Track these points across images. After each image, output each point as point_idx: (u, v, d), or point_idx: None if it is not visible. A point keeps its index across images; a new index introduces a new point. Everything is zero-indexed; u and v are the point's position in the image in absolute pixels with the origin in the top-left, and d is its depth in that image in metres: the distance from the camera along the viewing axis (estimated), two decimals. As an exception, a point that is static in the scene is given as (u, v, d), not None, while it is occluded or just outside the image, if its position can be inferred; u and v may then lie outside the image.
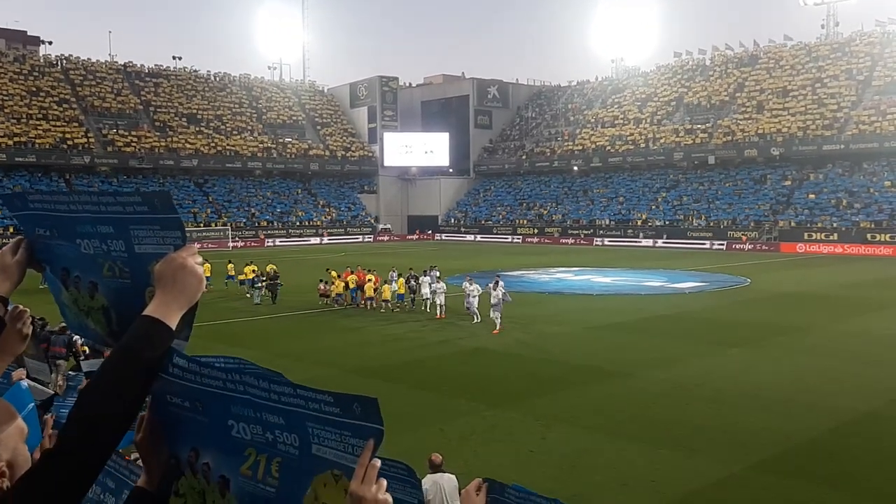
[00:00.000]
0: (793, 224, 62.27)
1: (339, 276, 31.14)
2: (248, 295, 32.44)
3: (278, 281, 32.05)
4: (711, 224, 66.76)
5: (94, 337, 2.01)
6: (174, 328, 1.63)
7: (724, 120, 75.19)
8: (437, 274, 29.51)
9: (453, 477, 8.87)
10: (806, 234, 60.28)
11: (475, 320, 25.86)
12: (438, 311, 27.80)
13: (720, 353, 20.85)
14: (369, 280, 29.97)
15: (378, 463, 1.41)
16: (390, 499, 1.43)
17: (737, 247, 61.79)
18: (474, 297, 26.06)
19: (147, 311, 1.62)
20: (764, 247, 60.75)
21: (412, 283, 30.34)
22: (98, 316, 1.92)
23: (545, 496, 1.65)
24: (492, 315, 24.68)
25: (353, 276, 30.73)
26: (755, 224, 64.19)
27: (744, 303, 30.65)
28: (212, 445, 1.63)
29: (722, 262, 49.30)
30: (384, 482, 1.43)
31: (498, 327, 24.31)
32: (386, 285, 29.57)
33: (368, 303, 29.62)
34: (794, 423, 14.25)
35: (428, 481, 8.80)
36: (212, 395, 1.61)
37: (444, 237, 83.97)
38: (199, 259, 1.71)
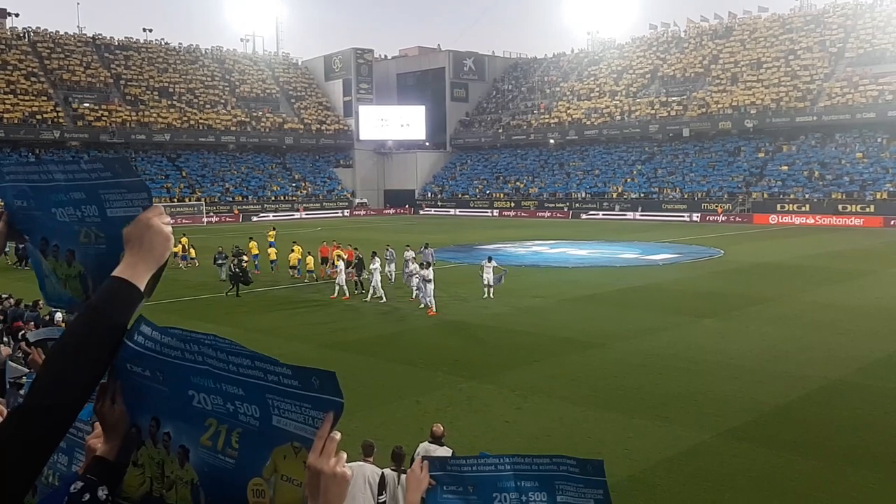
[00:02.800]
0: (766, 196, 62.88)
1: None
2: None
3: (243, 260, 29.32)
4: (686, 196, 67.21)
5: (72, 305, 2.01)
6: (142, 289, 1.63)
7: (698, 92, 75.46)
8: (412, 255, 27.66)
9: (449, 450, 8.93)
10: (779, 206, 60.93)
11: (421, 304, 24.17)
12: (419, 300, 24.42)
13: (693, 323, 21.11)
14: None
15: (338, 436, 1.40)
16: (349, 472, 1.42)
17: (711, 219, 62.35)
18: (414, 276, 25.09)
19: (116, 272, 1.63)
20: (737, 218, 61.35)
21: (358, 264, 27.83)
22: (75, 283, 1.93)
23: (503, 455, 1.67)
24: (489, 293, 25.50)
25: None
26: (729, 196, 64.74)
27: (717, 274, 31.00)
28: (172, 415, 1.63)
29: (696, 234, 49.75)
30: (343, 455, 1.42)
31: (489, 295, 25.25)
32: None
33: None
34: (765, 391, 14.50)
35: (420, 448, 9.00)
36: (171, 364, 1.60)
37: (431, 211, 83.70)
38: (167, 219, 1.72)
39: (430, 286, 23.59)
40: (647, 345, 18.54)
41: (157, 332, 1.64)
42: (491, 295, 25.57)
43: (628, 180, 72.86)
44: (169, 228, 1.71)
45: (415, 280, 24.76)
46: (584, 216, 70.10)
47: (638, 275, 31.14)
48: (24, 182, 1.95)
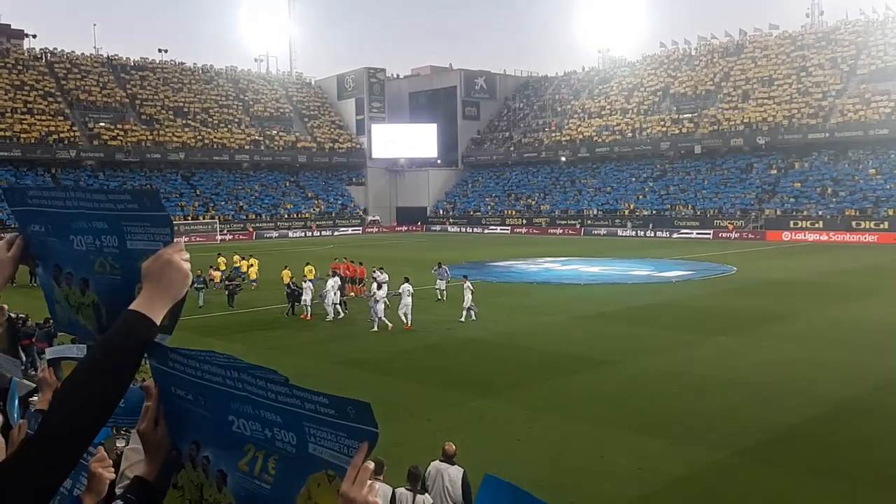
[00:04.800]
0: (779, 212, 62.62)
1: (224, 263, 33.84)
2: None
3: (235, 282, 30.05)
4: (698, 213, 67.03)
5: (83, 333, 2.04)
6: (158, 323, 1.67)
7: (710, 109, 75.42)
8: (386, 278, 26.53)
9: (461, 470, 8.87)
10: (792, 223, 60.65)
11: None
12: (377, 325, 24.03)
13: (706, 341, 21.02)
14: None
15: (371, 465, 1.42)
16: (380, 502, 1.45)
17: (723, 235, 62.10)
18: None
19: (133, 306, 1.66)
20: (750, 235, 61.09)
21: (293, 286, 26.96)
22: (88, 312, 1.95)
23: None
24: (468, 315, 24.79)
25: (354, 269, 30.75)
26: (741, 213, 64.51)
27: (730, 291, 30.86)
28: (213, 439, 1.66)
29: (708, 251, 49.58)
30: (376, 485, 1.44)
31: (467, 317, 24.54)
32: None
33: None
34: (779, 410, 14.41)
35: (432, 467, 8.96)
36: (212, 389, 1.64)
37: (440, 229, 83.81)
38: (186, 255, 1.75)
39: (380, 306, 23.68)
40: (660, 362, 18.47)
41: (195, 358, 1.67)
42: (473, 317, 24.69)
43: (640, 197, 72.77)
44: (188, 266, 1.75)
45: (380, 307, 23.88)
46: (596, 232, 69.97)
47: (650, 292, 31.06)
48: (46, 207, 1.96)
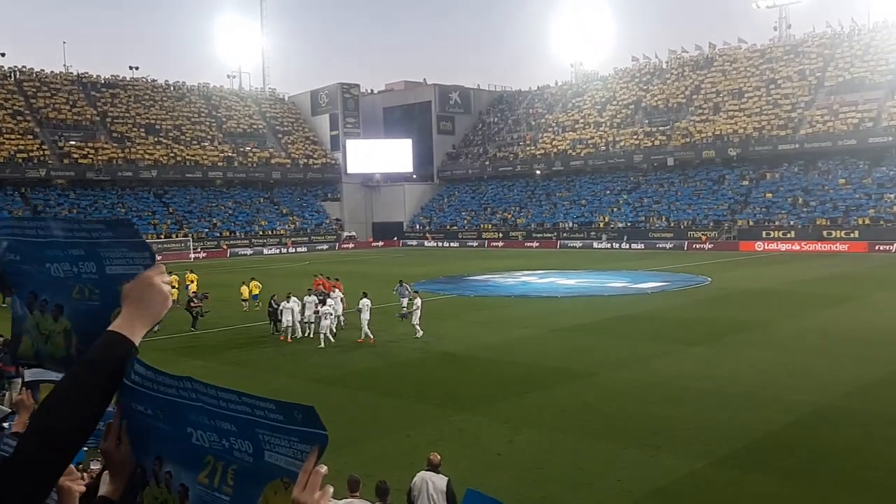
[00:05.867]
0: (751, 223, 63.39)
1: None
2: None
3: (196, 303, 27.94)
4: (672, 224, 67.66)
5: (48, 362, 1.99)
6: (137, 344, 1.66)
7: (681, 122, 76.34)
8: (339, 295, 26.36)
9: (445, 478, 9.04)
10: (764, 233, 61.41)
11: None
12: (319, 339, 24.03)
13: (682, 351, 21.14)
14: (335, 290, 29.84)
15: (323, 469, 1.41)
16: None
17: (697, 246, 62.70)
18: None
19: (112, 327, 1.65)
20: (723, 246, 61.74)
21: (273, 305, 26.15)
22: (59, 339, 1.92)
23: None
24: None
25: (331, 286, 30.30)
26: (714, 224, 65.22)
27: (704, 301, 31.12)
28: (174, 453, 1.64)
29: (683, 262, 50.02)
30: (329, 489, 1.43)
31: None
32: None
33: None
34: (755, 418, 14.50)
35: (417, 477, 9.09)
36: (169, 402, 1.62)
37: (416, 243, 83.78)
38: (167, 278, 1.76)
39: (325, 321, 23.76)
40: (638, 373, 18.53)
41: (150, 371, 1.65)
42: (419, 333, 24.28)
43: (614, 210, 73.32)
44: (168, 288, 1.76)
45: (325, 322, 23.92)
46: (571, 245, 70.31)
47: (627, 303, 31.22)
48: (18, 236, 1.94)
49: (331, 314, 24.32)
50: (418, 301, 25.02)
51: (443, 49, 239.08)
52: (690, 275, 41.67)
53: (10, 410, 3.34)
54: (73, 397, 1.57)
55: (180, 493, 1.63)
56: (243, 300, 32.37)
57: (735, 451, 12.73)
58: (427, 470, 9.20)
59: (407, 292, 26.82)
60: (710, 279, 39.04)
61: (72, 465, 1.97)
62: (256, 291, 32.80)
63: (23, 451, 1.52)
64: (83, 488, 2.01)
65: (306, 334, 24.99)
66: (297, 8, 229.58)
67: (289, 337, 24.77)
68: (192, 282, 34.60)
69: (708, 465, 12.18)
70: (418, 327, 24.37)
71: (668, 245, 64.94)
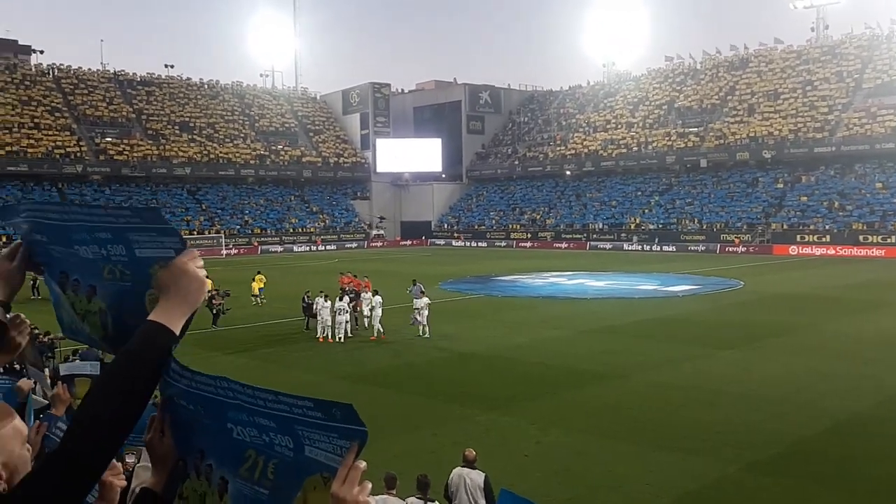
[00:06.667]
0: (785, 226, 62.46)
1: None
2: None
3: (217, 301, 27.30)
4: (704, 227, 66.91)
5: (88, 340, 2.01)
6: (178, 333, 1.66)
7: (715, 123, 75.46)
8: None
9: (482, 474, 9.11)
10: (798, 237, 60.48)
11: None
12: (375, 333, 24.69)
13: (714, 354, 20.88)
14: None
15: (362, 465, 1.42)
16: (372, 502, 1.44)
17: (729, 249, 61.93)
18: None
19: (151, 317, 1.65)
20: (757, 249, 60.91)
21: (306, 301, 26.26)
22: (94, 319, 1.92)
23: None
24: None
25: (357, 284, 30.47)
26: (748, 227, 64.37)
27: (737, 305, 30.72)
28: (215, 447, 1.66)
29: (715, 265, 49.42)
30: (368, 484, 1.43)
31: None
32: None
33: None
34: (788, 424, 14.27)
35: (454, 473, 9.17)
36: (208, 399, 1.64)
37: (441, 243, 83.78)
38: (200, 263, 1.73)
39: (341, 317, 24.21)
40: (668, 376, 18.34)
41: (186, 371, 1.66)
42: (422, 333, 24.39)
43: (646, 211, 72.71)
44: (203, 273, 1.74)
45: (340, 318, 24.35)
46: (601, 247, 69.82)
47: (657, 306, 30.92)
48: (43, 219, 1.94)
49: (346, 311, 24.43)
50: (425, 300, 24.95)
51: (474, 49, 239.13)
52: (723, 278, 41.16)
53: (46, 402, 3.39)
54: (117, 388, 1.58)
55: (220, 485, 1.65)
56: (253, 296, 32.83)
57: (767, 457, 12.53)
58: (463, 466, 9.27)
59: (420, 293, 26.40)
60: (742, 283, 38.53)
61: (114, 460, 2.00)
62: (262, 285, 33.68)
63: (68, 443, 1.54)
64: (125, 483, 2.03)
65: (338, 338, 24.46)
66: (329, 8, 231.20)
67: (321, 337, 24.66)
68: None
69: (739, 470, 12.00)
70: (426, 327, 24.42)
71: (700, 248, 64.22)
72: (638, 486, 11.54)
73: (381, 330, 24.50)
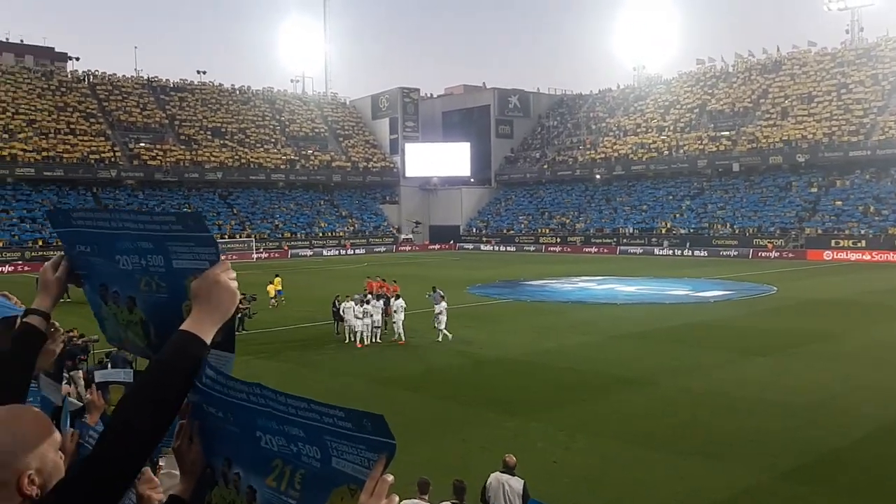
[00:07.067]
0: (819, 231, 61.50)
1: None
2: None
3: (243, 305, 26.39)
4: (736, 232, 66.13)
5: (134, 349, 2.08)
6: (209, 342, 1.70)
7: (748, 127, 74.60)
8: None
9: (521, 480, 9.12)
10: (833, 242, 59.50)
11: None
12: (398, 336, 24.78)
13: (746, 361, 20.60)
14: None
15: (390, 478, 1.42)
16: None
17: (762, 255, 61.13)
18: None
19: (184, 327, 1.69)
20: (790, 254, 60.03)
21: (336, 305, 26.18)
22: (137, 329, 1.98)
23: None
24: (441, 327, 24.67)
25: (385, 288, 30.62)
26: (781, 231, 63.50)
27: (770, 311, 30.29)
28: (243, 455, 1.68)
29: (747, 271, 48.79)
30: (395, 498, 1.44)
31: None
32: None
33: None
34: (821, 432, 14.03)
35: (493, 479, 9.17)
36: (239, 406, 1.65)
37: (470, 247, 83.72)
38: (233, 274, 1.78)
39: (366, 320, 24.26)
40: (699, 383, 18.13)
41: (220, 376, 1.68)
42: (440, 338, 24.32)
43: (677, 216, 72.06)
44: (235, 284, 1.77)
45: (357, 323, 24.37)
46: (631, 252, 69.28)
47: (688, 312, 30.58)
48: (91, 228, 2.00)
49: (371, 314, 24.50)
50: (444, 305, 24.96)
51: (504, 53, 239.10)
52: (755, 283, 40.62)
53: (81, 404, 3.44)
54: (149, 397, 1.62)
55: (248, 494, 1.66)
56: (271, 298, 33.13)
57: (799, 466, 12.32)
58: (502, 471, 9.26)
59: (440, 299, 26.27)
60: (775, 288, 38.01)
61: (151, 474, 2.04)
62: (279, 288, 34.27)
63: (101, 450, 1.58)
64: (162, 496, 2.06)
65: (366, 342, 24.51)
66: (359, 13, 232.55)
67: (351, 339, 24.70)
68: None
69: (772, 479, 11.82)
70: (445, 332, 24.44)
71: (732, 253, 63.45)
72: (668, 493, 11.41)
73: (403, 333, 24.64)
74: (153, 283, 1.89)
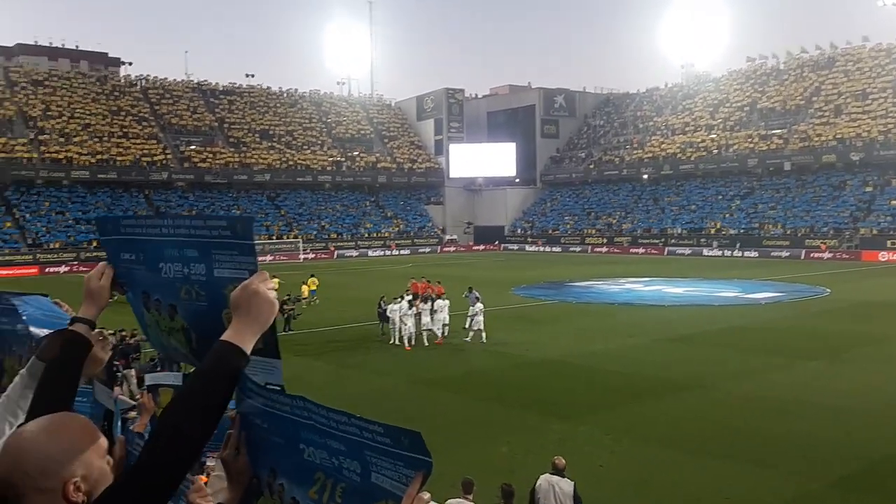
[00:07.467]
0: (874, 231, 59.85)
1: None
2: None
3: (288, 306, 27.76)
4: (788, 232, 64.74)
5: (177, 355, 2.15)
6: (249, 352, 1.73)
7: (800, 125, 72.96)
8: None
9: (571, 482, 9.11)
10: (889, 242, 57.83)
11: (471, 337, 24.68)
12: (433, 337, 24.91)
13: (797, 365, 20.18)
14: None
15: (426, 496, 1.45)
16: None
17: (815, 256, 59.72)
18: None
19: (224, 337, 1.73)
20: (844, 255, 58.54)
21: (381, 307, 26.35)
22: (179, 336, 2.05)
23: None
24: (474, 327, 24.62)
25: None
26: (834, 232, 61.96)
27: (822, 313, 29.60)
28: (286, 467, 1.72)
29: (799, 272, 47.72)
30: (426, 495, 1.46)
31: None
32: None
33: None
34: (874, 438, 13.66)
35: (542, 479, 9.15)
36: (283, 419, 1.70)
37: (514, 247, 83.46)
38: (272, 284, 1.81)
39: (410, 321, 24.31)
40: (749, 387, 17.80)
41: (264, 389, 1.74)
42: (480, 338, 24.30)
43: (726, 216, 70.82)
44: (274, 294, 1.80)
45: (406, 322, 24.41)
46: (679, 252, 68.30)
47: (738, 314, 30.04)
48: (138, 236, 2.06)
49: (409, 315, 24.50)
50: (479, 306, 24.93)
51: (549, 52, 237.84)
52: (807, 285, 39.71)
53: (132, 403, 3.54)
54: (192, 405, 1.66)
55: None
56: (303, 298, 33.40)
57: (853, 473, 12.03)
58: (552, 473, 9.22)
59: (476, 300, 26.23)
60: (829, 290, 37.11)
61: (201, 483, 2.10)
62: (314, 287, 34.87)
63: (148, 456, 1.63)
64: (211, 502, 2.12)
65: (412, 342, 24.50)
66: (404, 15, 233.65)
67: (397, 341, 24.69)
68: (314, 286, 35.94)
69: (823, 487, 11.56)
70: (482, 332, 24.44)
71: (784, 254, 62.13)
72: (715, 499, 11.24)
73: (444, 334, 24.83)
74: (193, 291, 1.95)
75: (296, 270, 48.38)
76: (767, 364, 20.24)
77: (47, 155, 69.94)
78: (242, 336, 1.73)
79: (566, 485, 9.03)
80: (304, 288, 34.51)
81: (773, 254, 62.64)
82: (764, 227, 66.77)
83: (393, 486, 1.47)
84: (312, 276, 36.45)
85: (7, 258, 60.02)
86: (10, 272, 57.03)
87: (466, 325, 24.91)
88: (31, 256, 61.34)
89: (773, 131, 74.53)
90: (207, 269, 1.90)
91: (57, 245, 63.42)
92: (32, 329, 2.59)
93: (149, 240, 2.04)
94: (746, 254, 63.98)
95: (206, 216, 1.96)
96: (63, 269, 59.53)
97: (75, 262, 60.45)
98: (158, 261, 2.01)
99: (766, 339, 24.17)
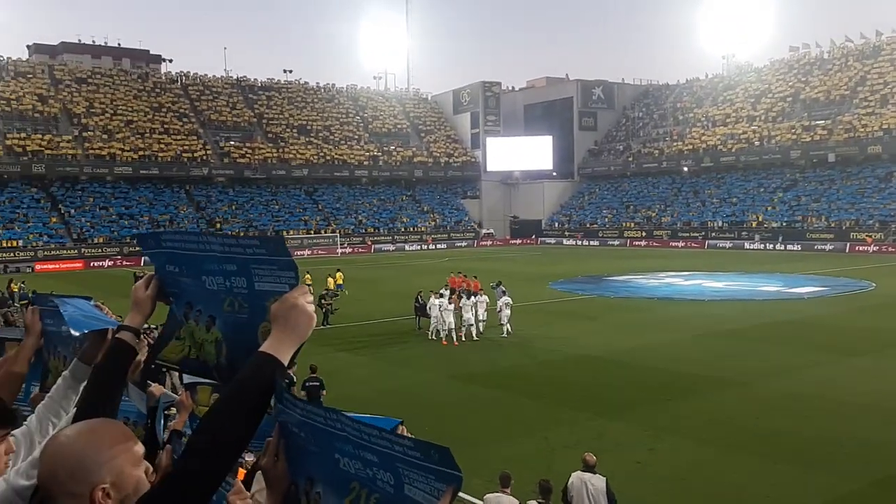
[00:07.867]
0: (923, 224, 58.35)
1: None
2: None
3: (326, 301, 28.40)
4: (832, 225, 63.42)
5: (196, 369, 2.19)
6: (286, 363, 1.78)
7: (844, 115, 71.33)
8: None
9: (603, 478, 9.09)
10: (938, 235, 56.38)
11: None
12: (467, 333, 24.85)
13: (841, 361, 19.79)
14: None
15: None
16: (489, 499, 1.51)
17: (860, 249, 58.42)
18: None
19: (263, 348, 1.77)
20: (890, 248, 57.19)
21: (419, 301, 26.52)
22: (210, 348, 2.10)
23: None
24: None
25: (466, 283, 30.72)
26: (880, 224, 60.52)
27: (867, 308, 28.97)
28: (323, 476, 1.75)
29: (844, 266, 46.74)
30: None
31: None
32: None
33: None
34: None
35: (575, 477, 9.14)
36: (318, 429, 1.73)
37: (552, 241, 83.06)
38: (310, 298, 1.86)
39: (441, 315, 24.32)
40: (791, 384, 17.52)
41: (299, 401, 1.76)
42: (505, 332, 24.74)
43: (769, 208, 69.62)
44: (312, 307, 1.85)
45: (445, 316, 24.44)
46: (720, 246, 67.33)
47: (780, 309, 29.54)
48: (181, 250, 2.13)
49: (449, 310, 24.48)
50: (506, 299, 25.07)
51: (587, 43, 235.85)
52: (852, 279, 38.91)
53: (175, 397, 3.62)
54: (230, 412, 1.70)
55: None
56: (327, 290, 33.15)
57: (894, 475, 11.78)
58: (583, 470, 9.21)
59: (503, 294, 26.16)
60: (874, 284, 36.29)
61: (241, 485, 2.14)
62: (340, 281, 35.27)
63: (185, 465, 1.68)
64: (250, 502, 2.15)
65: (449, 338, 24.43)
66: (441, 8, 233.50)
67: (435, 336, 24.82)
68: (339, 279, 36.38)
69: (867, 486, 11.35)
70: (508, 326, 24.68)
71: (828, 247, 60.91)
72: (755, 499, 11.10)
73: (480, 330, 24.86)
74: (236, 303, 2.00)
75: (332, 265, 48.74)
76: (810, 360, 19.90)
77: (91, 151, 71.39)
78: (280, 347, 1.77)
79: (598, 481, 9.01)
80: (331, 281, 34.63)
81: (816, 247, 61.45)
82: (807, 220, 65.51)
83: (426, 499, 1.49)
84: (339, 270, 37.12)
85: (54, 253, 61.47)
86: (57, 266, 58.47)
87: (500, 321, 24.95)
88: (76, 251, 62.70)
89: (817, 122, 72.97)
90: (248, 282, 1.96)
91: (101, 240, 64.75)
92: (71, 331, 2.65)
93: (189, 253, 2.10)
94: (789, 247, 62.85)
95: (239, 237, 2.02)
96: (107, 263, 60.78)
97: (119, 257, 61.68)
98: (201, 273, 2.08)
99: (810, 334, 23.76)
